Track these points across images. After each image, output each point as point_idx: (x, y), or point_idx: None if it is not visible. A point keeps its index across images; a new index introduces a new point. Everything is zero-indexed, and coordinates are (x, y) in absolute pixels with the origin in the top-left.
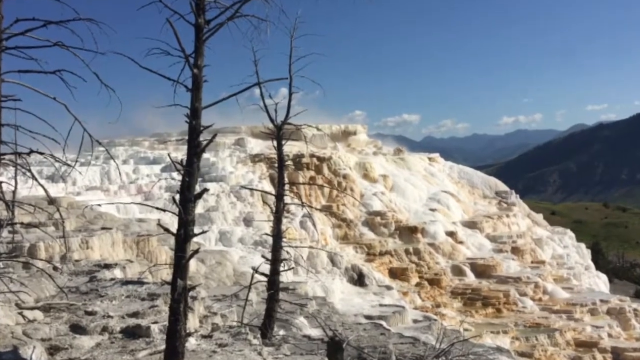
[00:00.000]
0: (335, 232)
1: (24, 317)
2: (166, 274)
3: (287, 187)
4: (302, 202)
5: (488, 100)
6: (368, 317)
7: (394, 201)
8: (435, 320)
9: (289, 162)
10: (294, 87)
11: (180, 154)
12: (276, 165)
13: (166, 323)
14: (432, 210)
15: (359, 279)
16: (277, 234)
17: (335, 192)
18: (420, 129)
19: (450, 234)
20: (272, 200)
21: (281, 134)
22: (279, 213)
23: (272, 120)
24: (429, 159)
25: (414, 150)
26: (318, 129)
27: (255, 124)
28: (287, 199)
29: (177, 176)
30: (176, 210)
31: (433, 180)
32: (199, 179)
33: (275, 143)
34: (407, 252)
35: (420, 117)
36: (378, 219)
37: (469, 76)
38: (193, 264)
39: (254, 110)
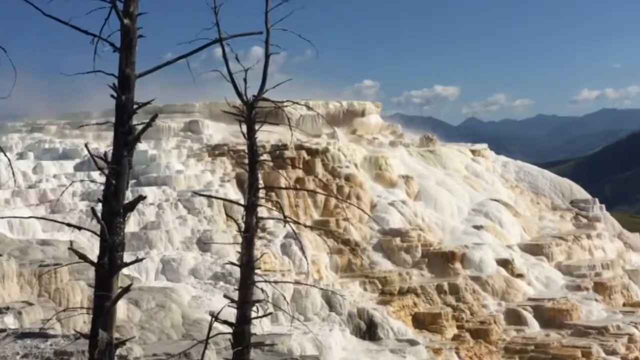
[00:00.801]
0: (334, 260)
1: None
2: (82, 322)
3: (262, 193)
4: (285, 216)
5: (560, 66)
6: None
7: (421, 214)
8: None
9: (266, 157)
10: (273, 45)
11: (104, 144)
12: (246, 161)
13: None
14: (477, 227)
15: (368, 330)
16: (248, 264)
17: (333, 201)
18: (460, 108)
19: (504, 264)
20: (240, 212)
21: (254, 115)
22: (250, 232)
23: (240, 95)
24: (473, 152)
25: (450, 139)
26: (309, 108)
27: (215, 100)
28: (262, 212)
29: (99, 177)
30: (97, 228)
31: (478, 184)
32: (132, 182)
33: (244, 128)
34: (439, 289)
35: (460, 90)
36: (397, 240)
37: (531, 30)
38: (123, 308)
39: (214, 80)
